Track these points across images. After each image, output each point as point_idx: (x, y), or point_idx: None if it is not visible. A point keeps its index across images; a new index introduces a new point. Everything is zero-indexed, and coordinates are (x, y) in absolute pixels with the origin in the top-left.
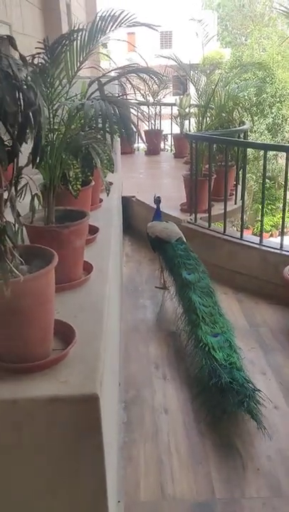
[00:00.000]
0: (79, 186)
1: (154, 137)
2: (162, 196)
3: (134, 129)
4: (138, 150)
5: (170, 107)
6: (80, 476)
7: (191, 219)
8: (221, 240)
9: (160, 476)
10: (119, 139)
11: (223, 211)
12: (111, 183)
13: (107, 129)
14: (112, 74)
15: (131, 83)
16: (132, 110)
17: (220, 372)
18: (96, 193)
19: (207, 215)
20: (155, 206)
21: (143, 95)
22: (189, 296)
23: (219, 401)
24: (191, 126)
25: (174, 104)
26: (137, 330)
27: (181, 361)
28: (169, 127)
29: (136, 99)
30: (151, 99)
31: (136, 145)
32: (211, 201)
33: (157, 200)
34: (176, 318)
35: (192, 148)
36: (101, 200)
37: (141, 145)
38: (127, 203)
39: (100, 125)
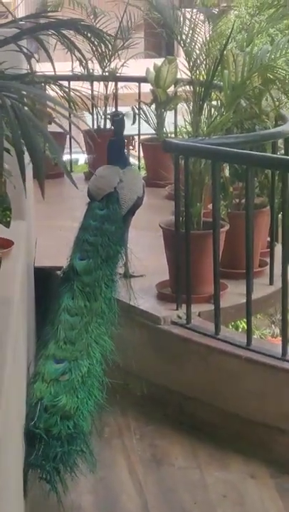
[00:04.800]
0: None
1: (103, 144)
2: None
3: (51, 141)
4: (71, 170)
5: (137, 85)
6: None
7: (179, 316)
8: (242, 364)
9: None
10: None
11: (244, 300)
12: (8, 245)
13: None
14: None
15: (43, 47)
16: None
17: (31, 415)
18: None
19: (212, 306)
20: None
21: (81, 60)
22: (60, 295)
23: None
24: (179, 123)
25: (143, 80)
26: None
27: None
28: (135, 123)
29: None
30: (97, 67)
31: (66, 157)
32: (220, 279)
33: (116, 118)
34: None
35: (178, 171)
36: None
37: (79, 156)
38: (46, 280)
39: None
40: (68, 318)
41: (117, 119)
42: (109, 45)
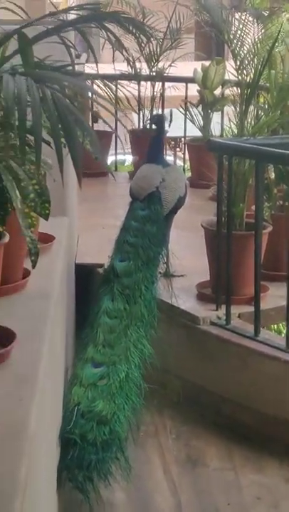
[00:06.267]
0: None
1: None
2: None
3: (91, 135)
4: (116, 169)
5: (184, 85)
6: None
7: (219, 317)
8: (281, 366)
9: None
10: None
11: (286, 302)
12: (49, 240)
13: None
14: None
15: (86, 39)
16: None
17: (67, 420)
18: (14, 259)
19: (252, 308)
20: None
21: (128, 60)
22: (100, 297)
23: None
24: (226, 124)
25: (190, 81)
26: None
27: None
28: (181, 124)
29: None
30: (144, 67)
31: (111, 157)
32: (261, 281)
33: (156, 119)
34: None
35: (221, 171)
36: (26, 274)
37: (126, 157)
38: (87, 276)
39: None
40: (108, 321)
41: (159, 120)
42: (152, 39)
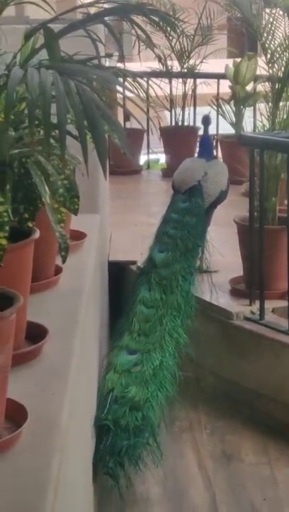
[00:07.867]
0: (3, 242)
1: (181, 142)
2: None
3: (119, 130)
4: (148, 167)
5: (215, 81)
6: None
7: (252, 312)
8: None
9: None
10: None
11: None
12: (80, 237)
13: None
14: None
15: (111, 32)
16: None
17: (102, 406)
18: (45, 256)
19: (286, 303)
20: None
21: (160, 58)
22: (137, 287)
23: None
24: (258, 120)
25: (222, 77)
26: None
27: None
28: (213, 121)
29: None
30: (176, 65)
31: (144, 157)
32: None
33: (205, 120)
34: None
35: (253, 165)
36: (58, 271)
37: (160, 156)
38: (120, 274)
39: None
40: (144, 310)
41: (207, 120)
42: (182, 35)
